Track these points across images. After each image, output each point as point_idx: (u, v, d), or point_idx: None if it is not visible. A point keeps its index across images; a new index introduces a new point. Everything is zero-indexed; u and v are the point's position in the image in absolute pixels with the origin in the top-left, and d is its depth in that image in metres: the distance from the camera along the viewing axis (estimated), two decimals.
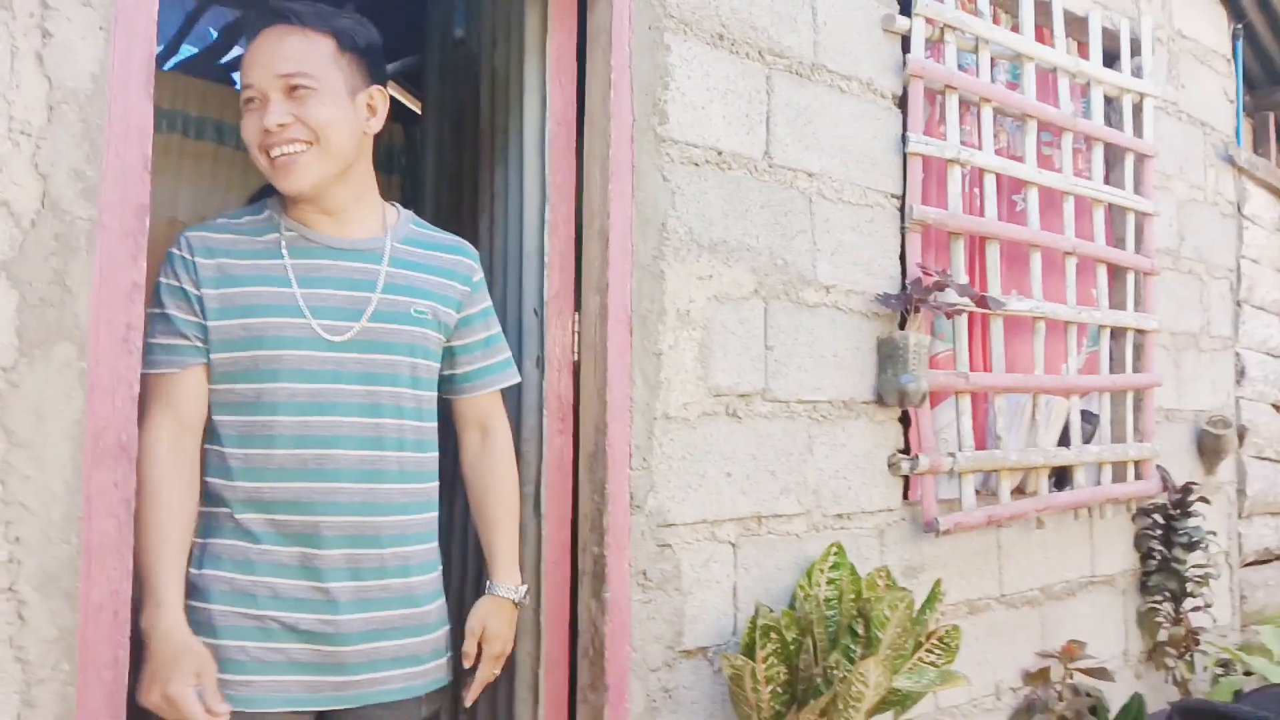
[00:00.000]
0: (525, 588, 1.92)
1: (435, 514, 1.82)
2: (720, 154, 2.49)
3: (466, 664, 1.88)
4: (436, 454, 1.82)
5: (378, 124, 1.75)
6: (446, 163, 2.99)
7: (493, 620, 1.87)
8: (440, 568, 1.86)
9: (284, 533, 1.66)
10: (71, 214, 1.59)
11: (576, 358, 2.33)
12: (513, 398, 2.35)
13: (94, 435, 1.60)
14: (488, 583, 1.94)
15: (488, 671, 1.87)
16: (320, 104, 1.66)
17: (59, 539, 1.55)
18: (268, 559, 1.66)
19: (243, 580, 1.66)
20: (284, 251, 1.71)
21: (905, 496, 2.86)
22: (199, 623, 1.64)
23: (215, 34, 4.73)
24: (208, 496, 1.71)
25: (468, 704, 1.90)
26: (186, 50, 4.86)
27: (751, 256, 2.53)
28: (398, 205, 1.88)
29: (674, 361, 2.36)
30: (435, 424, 1.82)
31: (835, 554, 2.47)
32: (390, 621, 1.70)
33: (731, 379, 2.48)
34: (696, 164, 2.44)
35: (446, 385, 1.88)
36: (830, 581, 2.42)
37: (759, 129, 2.58)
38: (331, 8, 1.75)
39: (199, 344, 1.69)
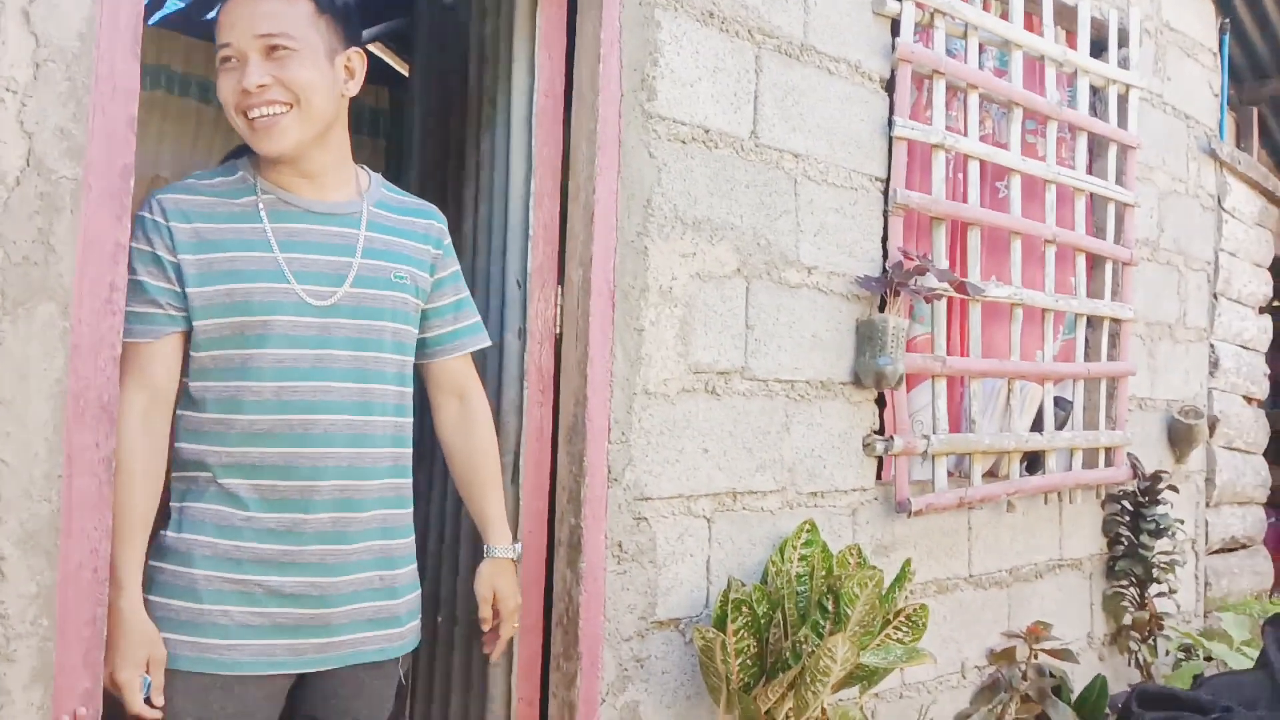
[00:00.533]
0: (519, 544, 2.02)
1: (410, 479, 1.84)
2: (707, 132, 2.50)
3: (485, 628, 1.99)
4: (412, 419, 1.83)
5: (355, 86, 1.75)
6: (432, 129, 2.99)
7: (500, 580, 1.95)
8: (414, 533, 1.87)
9: (270, 498, 1.67)
10: (56, 173, 1.58)
11: (558, 331, 2.35)
12: (494, 369, 2.38)
13: (75, 395, 1.60)
14: (486, 546, 1.99)
15: (509, 628, 1.99)
16: (300, 65, 1.64)
17: (39, 497, 1.56)
18: (253, 525, 1.67)
19: (226, 545, 1.67)
20: (262, 215, 1.69)
21: (879, 477, 2.90)
22: (181, 587, 1.65)
23: None
24: (184, 462, 1.71)
25: (494, 659, 2.09)
26: (172, 5, 4.80)
27: (735, 235, 2.55)
28: (365, 168, 1.86)
29: (655, 338, 2.38)
30: (412, 389, 1.84)
31: (808, 531, 2.50)
32: (370, 583, 1.73)
33: (711, 356, 2.50)
34: (683, 141, 2.45)
35: (420, 350, 1.86)
36: (802, 558, 2.46)
37: (746, 108, 2.59)
38: None
39: (174, 312, 1.67)
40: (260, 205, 1.71)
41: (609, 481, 2.28)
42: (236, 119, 1.68)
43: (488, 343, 2.00)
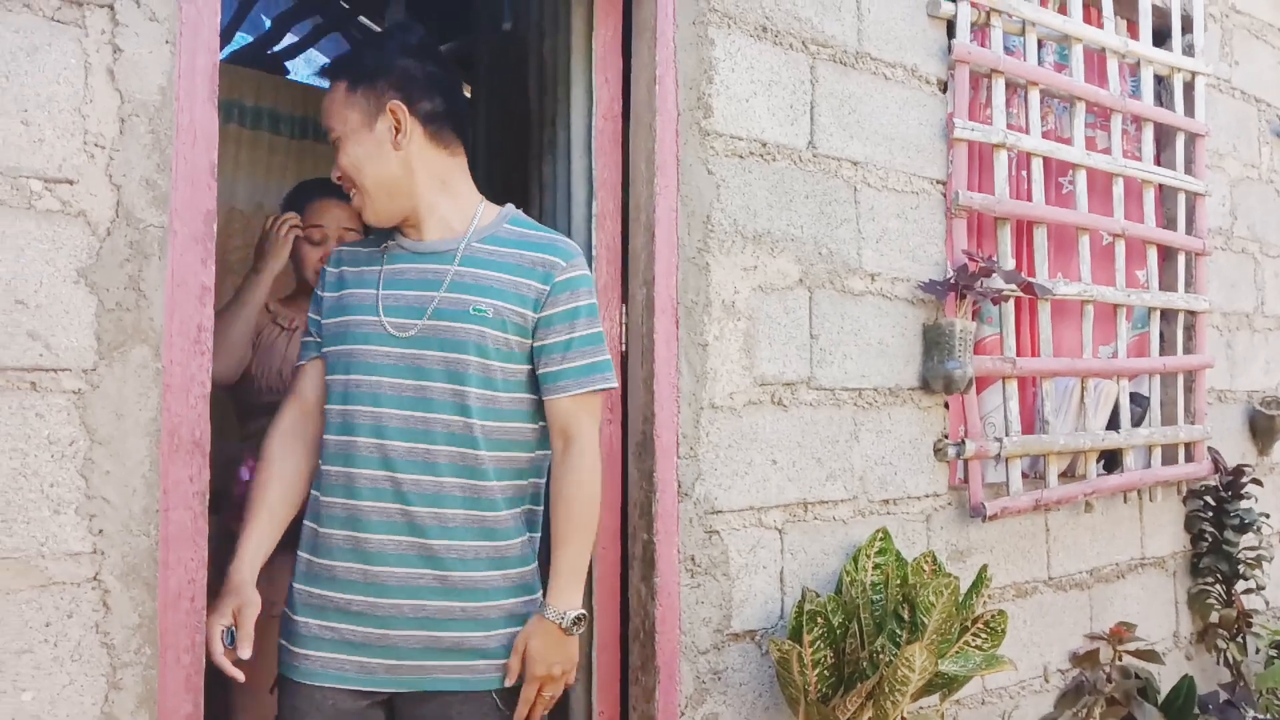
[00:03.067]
0: (579, 615, 1.71)
1: (511, 511, 1.76)
2: (764, 145, 2.51)
3: (508, 681, 1.73)
4: (526, 454, 1.79)
5: (409, 138, 1.77)
6: (494, 150, 3.05)
7: (534, 641, 1.71)
8: (525, 567, 1.78)
9: (337, 515, 1.76)
10: (144, 221, 1.66)
11: (624, 348, 2.38)
12: None
13: (169, 432, 1.68)
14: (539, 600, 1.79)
15: (529, 692, 1.72)
16: (345, 150, 1.79)
17: (139, 531, 1.64)
18: (326, 541, 1.77)
19: (306, 559, 1.80)
20: (383, 258, 1.84)
21: (952, 482, 2.88)
22: (291, 598, 1.81)
23: (268, 23, 4.82)
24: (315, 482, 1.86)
25: None
26: (240, 40, 4.95)
27: (796, 246, 2.56)
28: (506, 206, 1.87)
29: (720, 351, 2.40)
30: (525, 424, 1.78)
31: (881, 539, 2.50)
32: (446, 612, 1.72)
33: (777, 368, 2.51)
34: (741, 156, 2.47)
35: (537, 386, 1.80)
36: (876, 566, 2.46)
37: (803, 119, 2.60)
38: (362, 43, 1.82)
39: (318, 340, 1.87)
40: (385, 250, 1.86)
41: (679, 496, 2.31)
42: None
43: (602, 386, 1.78)
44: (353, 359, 1.78)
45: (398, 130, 1.77)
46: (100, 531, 1.60)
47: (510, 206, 1.88)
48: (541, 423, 1.80)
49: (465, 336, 1.72)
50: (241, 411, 2.44)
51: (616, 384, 1.81)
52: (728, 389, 2.42)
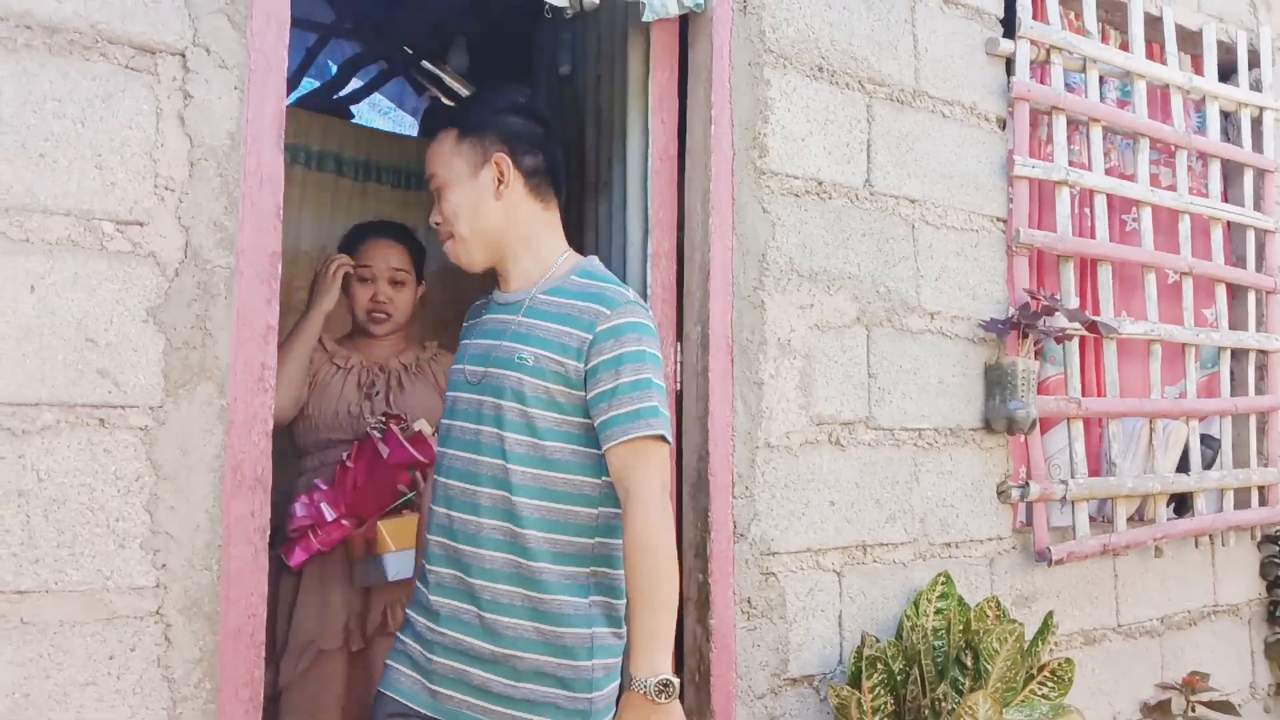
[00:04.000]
0: (663, 681, 1.58)
1: (557, 566, 1.70)
2: (820, 184, 2.51)
3: None
4: (579, 508, 1.72)
5: (512, 189, 1.81)
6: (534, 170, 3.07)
7: (624, 714, 1.61)
8: (569, 628, 1.69)
9: (428, 548, 1.85)
10: (212, 262, 1.71)
11: (679, 387, 2.38)
12: None
13: (233, 468, 1.71)
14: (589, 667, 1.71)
15: None
16: (447, 198, 1.82)
17: (201, 566, 1.67)
18: (421, 566, 1.88)
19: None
20: (484, 310, 1.91)
21: (1015, 525, 2.81)
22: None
23: (334, 68, 4.95)
24: None
25: None
26: (307, 85, 5.08)
27: (853, 284, 2.54)
28: (583, 257, 1.88)
29: (775, 390, 2.39)
30: (578, 477, 1.73)
31: (943, 583, 2.45)
32: (478, 651, 1.70)
33: (834, 407, 2.49)
34: (796, 195, 2.46)
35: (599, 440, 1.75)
36: (938, 611, 2.40)
37: (859, 157, 2.59)
38: (468, 97, 1.85)
39: None
40: (487, 303, 1.93)
41: (735, 536, 2.29)
42: None
43: (642, 433, 1.66)
44: (448, 404, 1.88)
45: (500, 181, 1.81)
46: (164, 566, 1.63)
47: (590, 259, 1.87)
48: (603, 477, 1.71)
49: (506, 383, 1.73)
50: (298, 449, 2.47)
51: (665, 432, 1.68)
52: (784, 428, 2.40)
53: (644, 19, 2.29)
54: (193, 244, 1.70)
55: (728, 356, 2.33)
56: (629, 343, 1.70)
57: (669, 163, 2.41)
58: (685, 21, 2.43)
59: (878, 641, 2.29)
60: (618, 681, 1.75)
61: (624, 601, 1.76)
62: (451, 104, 1.89)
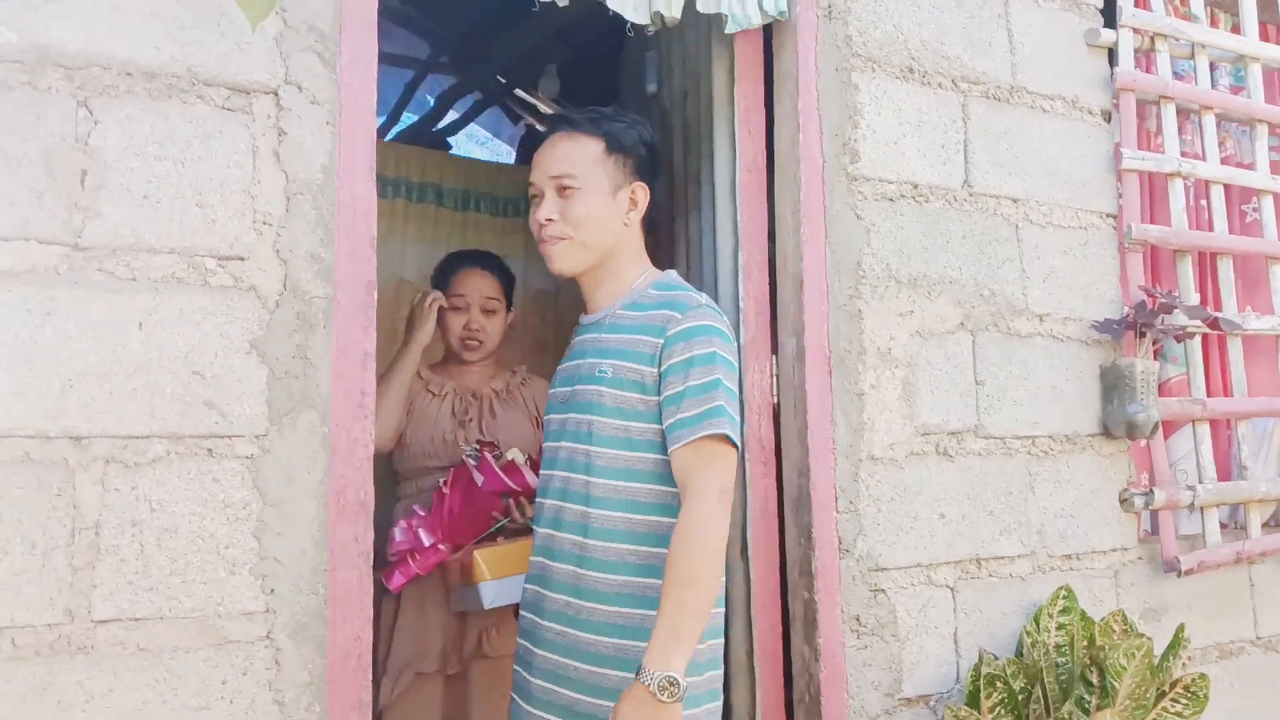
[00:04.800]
0: (668, 678, 1.52)
1: (620, 577, 1.70)
2: (916, 187, 2.44)
3: None
4: (646, 517, 1.71)
5: (636, 217, 1.86)
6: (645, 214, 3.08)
7: (622, 704, 1.55)
8: (640, 641, 1.64)
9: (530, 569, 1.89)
10: (310, 293, 1.75)
11: (776, 400, 2.34)
12: None
13: (336, 494, 1.74)
14: None
15: None
16: (581, 202, 1.81)
17: (308, 590, 1.70)
18: None
19: None
20: (576, 333, 1.93)
21: (1140, 535, 2.67)
22: None
23: (432, 101, 5.08)
24: None
25: None
26: (406, 119, 5.22)
27: (955, 289, 2.46)
28: (663, 273, 1.88)
29: (877, 401, 2.32)
30: (646, 485, 1.72)
31: (1064, 597, 2.34)
32: (563, 669, 1.71)
33: (940, 417, 2.41)
34: (891, 199, 2.40)
35: None
36: (1060, 627, 2.29)
37: (956, 158, 2.51)
38: (611, 113, 1.86)
39: None
40: (578, 325, 1.94)
41: (840, 553, 2.23)
42: (539, 244, 1.87)
43: (707, 432, 1.65)
44: (545, 427, 1.92)
45: (631, 208, 1.84)
46: (272, 591, 1.67)
47: (667, 273, 1.88)
48: (675, 487, 1.69)
49: (590, 398, 1.76)
50: (396, 475, 2.52)
51: (730, 433, 1.65)
52: (887, 440, 2.33)
53: (727, 31, 2.27)
54: (291, 276, 1.74)
55: (825, 368, 2.28)
56: (698, 345, 1.70)
57: (757, 174, 2.38)
58: (769, 31, 2.40)
59: (996, 659, 2.20)
60: (712, 704, 1.72)
61: (720, 610, 1.75)
62: (590, 112, 1.88)
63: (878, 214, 2.38)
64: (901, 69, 2.45)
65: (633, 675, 1.57)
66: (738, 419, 1.71)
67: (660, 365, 1.70)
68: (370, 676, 1.75)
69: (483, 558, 2.18)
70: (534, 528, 1.89)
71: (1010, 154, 2.59)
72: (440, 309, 2.51)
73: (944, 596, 2.35)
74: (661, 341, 1.71)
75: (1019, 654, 2.29)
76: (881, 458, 2.32)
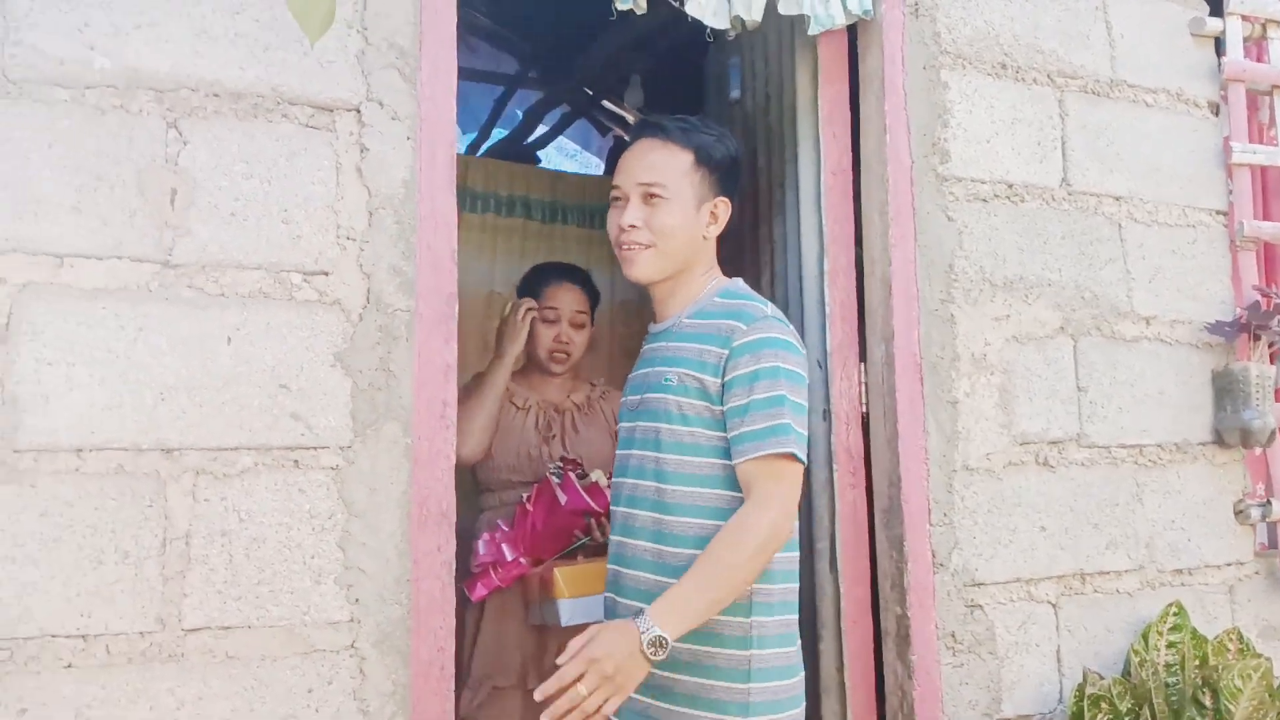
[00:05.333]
0: (658, 636, 1.50)
1: None
2: (1010, 186, 2.36)
3: (560, 659, 1.54)
4: (712, 521, 1.67)
5: (716, 230, 1.85)
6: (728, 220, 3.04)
7: (609, 631, 1.53)
8: (721, 648, 1.65)
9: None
10: (392, 306, 1.77)
11: (865, 408, 2.28)
12: None
13: (419, 504, 1.76)
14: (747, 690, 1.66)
15: (570, 669, 1.49)
16: (667, 213, 1.78)
17: (392, 600, 1.71)
18: None
19: None
20: (645, 342, 1.91)
21: (1258, 548, 2.52)
22: None
23: (520, 115, 5.13)
24: None
25: (537, 697, 1.54)
26: (496, 135, 5.30)
27: (1054, 291, 2.37)
28: (729, 281, 1.86)
29: (971, 409, 2.24)
30: (721, 490, 1.70)
31: (1174, 614, 2.22)
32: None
33: (1040, 425, 2.31)
34: (984, 200, 2.32)
35: None
36: (1170, 645, 2.17)
37: (1053, 156, 2.42)
38: (701, 124, 1.86)
39: None
40: (647, 334, 1.93)
41: (934, 566, 2.15)
42: (615, 247, 1.85)
43: (772, 450, 1.62)
44: (619, 435, 1.90)
45: (712, 223, 1.83)
46: (357, 601, 1.69)
47: (734, 281, 1.86)
48: (741, 492, 1.68)
49: (656, 406, 1.75)
50: (478, 487, 2.53)
51: (796, 450, 1.62)
52: (983, 449, 2.24)
53: (810, 33, 2.23)
54: (374, 290, 1.76)
55: (916, 375, 2.21)
56: (765, 358, 1.67)
57: (842, 177, 2.32)
58: (853, 32, 2.35)
59: (1101, 678, 2.09)
60: (793, 711, 1.69)
61: (792, 617, 1.72)
62: (681, 121, 1.86)
63: (970, 215, 2.31)
64: (993, 65, 2.37)
65: (707, 680, 1.60)
66: (804, 433, 1.67)
67: (724, 376, 1.69)
68: (453, 687, 1.75)
69: (563, 576, 2.18)
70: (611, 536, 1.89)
71: (1111, 150, 2.48)
72: (531, 320, 2.52)
73: (1045, 613, 2.25)
74: (726, 352, 1.69)
75: (1126, 673, 2.18)
76: (977, 468, 2.24)
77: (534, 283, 2.64)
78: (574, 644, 1.51)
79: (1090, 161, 2.45)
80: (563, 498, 2.23)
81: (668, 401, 1.73)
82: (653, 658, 1.50)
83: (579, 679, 1.47)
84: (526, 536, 2.26)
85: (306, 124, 1.73)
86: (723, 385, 1.68)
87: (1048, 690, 2.22)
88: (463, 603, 2.21)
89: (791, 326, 1.76)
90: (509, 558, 2.23)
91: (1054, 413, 2.33)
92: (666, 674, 1.66)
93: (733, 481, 1.68)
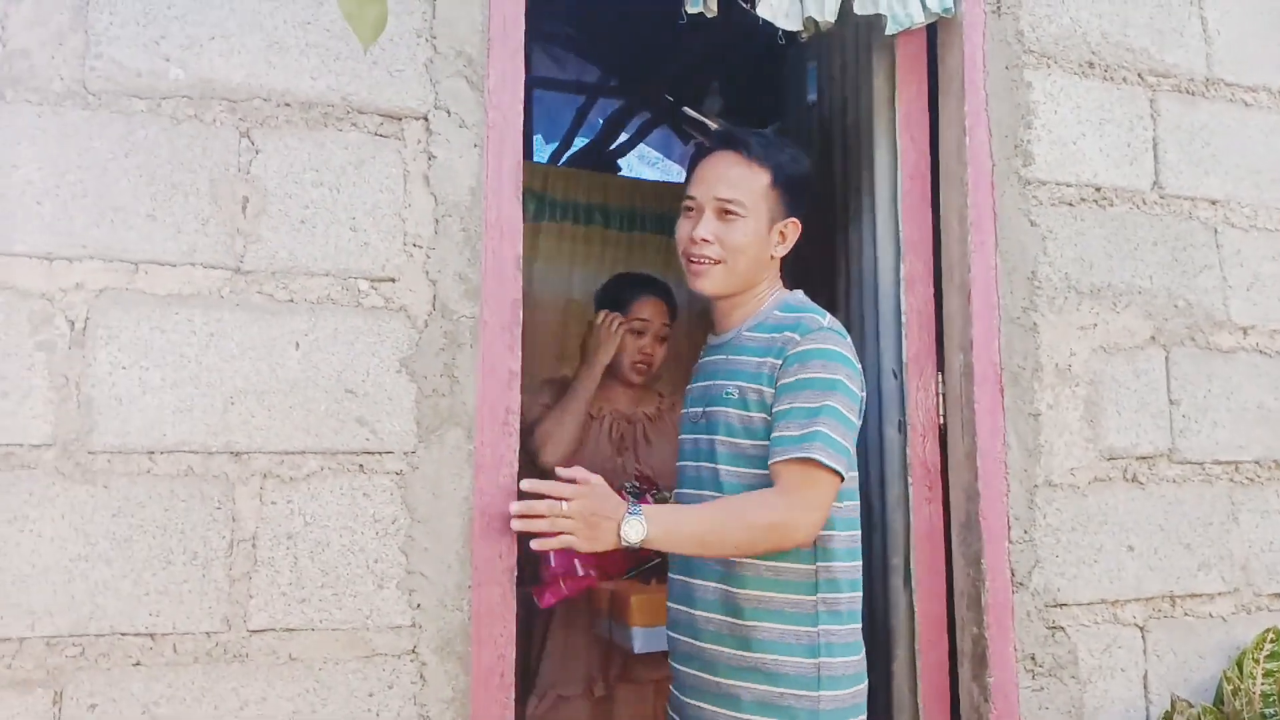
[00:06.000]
0: (637, 528, 1.55)
1: (764, 593, 1.68)
2: (1098, 190, 2.26)
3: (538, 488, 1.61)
4: None
5: (784, 250, 1.84)
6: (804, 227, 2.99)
7: (605, 492, 1.60)
8: (780, 654, 1.65)
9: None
10: (457, 313, 1.77)
11: (942, 420, 2.20)
12: (875, 465, 2.28)
13: (481, 510, 1.75)
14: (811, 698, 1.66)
15: (561, 489, 1.57)
16: (741, 231, 1.77)
17: (453, 606, 1.71)
18: None
19: None
20: (704, 353, 1.91)
21: None
22: None
23: (600, 123, 5.15)
24: None
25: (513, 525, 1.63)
26: (578, 143, 5.32)
27: (1144, 299, 2.26)
28: (789, 293, 1.85)
29: (1055, 422, 2.15)
30: None
31: (1272, 641, 2.09)
32: (704, 685, 1.72)
33: (1128, 439, 2.21)
34: (1070, 204, 2.23)
35: None
36: (1268, 674, 2.05)
37: (1144, 158, 2.31)
38: (778, 141, 1.84)
39: None
40: (706, 345, 1.92)
41: (1013, 585, 2.07)
42: (680, 257, 1.84)
43: (800, 455, 1.61)
44: (679, 447, 1.90)
45: (781, 242, 1.82)
46: (418, 606, 1.69)
47: (794, 293, 1.85)
48: None
49: (717, 419, 1.75)
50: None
51: (830, 461, 1.59)
52: (1067, 464, 2.15)
53: (887, 33, 2.17)
54: (440, 296, 1.77)
55: (996, 386, 2.13)
56: (814, 369, 1.66)
57: (920, 181, 2.26)
58: (931, 32, 2.28)
59: (1190, 707, 1.99)
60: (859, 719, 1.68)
61: (858, 625, 1.72)
62: (760, 137, 1.85)
63: (1055, 219, 2.22)
64: (1080, 64, 2.28)
65: (776, 688, 1.63)
66: (844, 443, 1.63)
67: (775, 384, 1.68)
68: (513, 695, 1.74)
69: (638, 604, 2.20)
70: None
71: (1207, 152, 2.36)
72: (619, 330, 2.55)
73: (1132, 636, 2.15)
74: (779, 362, 1.69)
75: (1218, 702, 2.06)
76: (1060, 483, 2.15)
77: (620, 293, 2.66)
78: (580, 475, 1.59)
79: (1184, 164, 2.34)
80: None
81: (729, 415, 1.73)
82: (620, 540, 1.56)
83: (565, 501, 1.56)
84: (600, 555, 2.29)
85: (375, 132, 1.75)
86: (775, 394, 1.68)
87: (1134, 717, 2.11)
88: (530, 609, 2.22)
89: (848, 339, 1.73)
90: (580, 573, 2.26)
91: (1144, 427, 2.22)
92: (734, 682, 1.67)
93: None
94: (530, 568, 2.33)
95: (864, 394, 1.71)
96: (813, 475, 1.60)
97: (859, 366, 1.70)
